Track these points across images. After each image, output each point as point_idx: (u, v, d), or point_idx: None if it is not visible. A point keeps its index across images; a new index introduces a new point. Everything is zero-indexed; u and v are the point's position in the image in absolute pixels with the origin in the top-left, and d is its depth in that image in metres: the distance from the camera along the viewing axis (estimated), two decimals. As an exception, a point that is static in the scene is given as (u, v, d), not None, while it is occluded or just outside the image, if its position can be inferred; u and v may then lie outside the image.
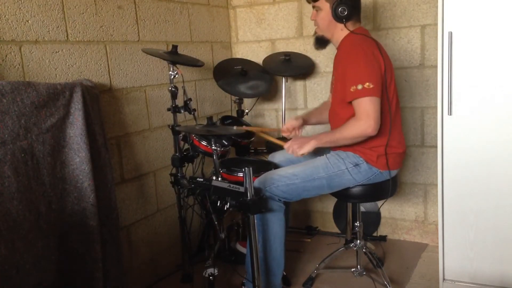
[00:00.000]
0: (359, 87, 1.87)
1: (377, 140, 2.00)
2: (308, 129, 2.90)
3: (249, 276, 1.99)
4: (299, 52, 2.91)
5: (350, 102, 1.94)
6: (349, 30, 2.03)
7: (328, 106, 2.24)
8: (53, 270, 1.76)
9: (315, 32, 2.18)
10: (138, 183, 2.38)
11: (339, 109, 2.07)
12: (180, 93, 2.21)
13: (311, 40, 2.25)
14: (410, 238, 2.83)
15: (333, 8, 2.00)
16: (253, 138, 2.67)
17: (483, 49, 1.82)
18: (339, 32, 2.06)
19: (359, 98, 1.89)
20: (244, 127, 2.43)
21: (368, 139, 1.97)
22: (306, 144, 2.01)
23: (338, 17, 2.00)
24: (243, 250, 2.54)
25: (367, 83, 1.87)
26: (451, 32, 1.85)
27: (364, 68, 1.91)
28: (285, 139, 2.20)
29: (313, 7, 2.11)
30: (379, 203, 2.76)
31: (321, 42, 2.17)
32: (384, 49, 2.03)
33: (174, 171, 2.26)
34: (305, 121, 2.29)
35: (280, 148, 2.34)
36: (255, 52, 3.08)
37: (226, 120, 2.68)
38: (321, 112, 2.35)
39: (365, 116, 1.89)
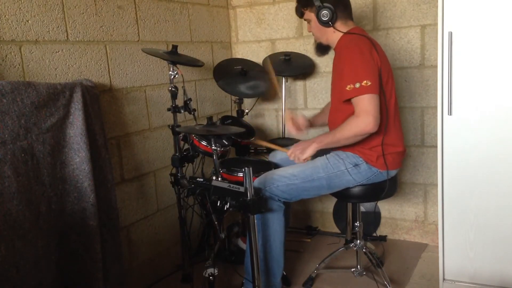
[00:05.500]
0: (357, 85, 1.88)
1: (376, 140, 2.00)
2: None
3: (248, 276, 1.99)
4: (299, 52, 2.91)
5: (348, 101, 1.95)
6: (341, 31, 2.05)
7: None
8: (53, 270, 1.76)
9: (315, 41, 2.22)
10: (138, 183, 2.38)
11: (340, 109, 2.07)
12: (180, 93, 2.21)
13: (311, 40, 2.26)
14: (410, 238, 2.83)
15: (316, 15, 2.04)
16: (253, 138, 2.67)
17: (483, 49, 1.82)
18: (332, 35, 2.08)
19: (358, 96, 1.89)
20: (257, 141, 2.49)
21: (366, 138, 1.98)
22: (308, 148, 2.04)
23: (324, 22, 2.04)
24: (245, 246, 2.53)
25: (365, 81, 1.87)
26: (451, 32, 1.85)
27: (360, 66, 1.91)
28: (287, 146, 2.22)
29: (305, 20, 2.17)
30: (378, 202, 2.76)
31: (321, 49, 2.22)
32: (380, 47, 2.03)
33: (174, 171, 2.26)
34: (310, 123, 2.30)
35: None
36: (255, 52, 3.08)
37: (226, 120, 2.67)
38: (326, 113, 2.35)
39: (364, 113, 1.89)
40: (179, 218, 2.31)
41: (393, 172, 2.10)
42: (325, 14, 2.01)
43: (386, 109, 1.99)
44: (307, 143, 2.06)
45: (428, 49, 2.56)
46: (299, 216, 3.10)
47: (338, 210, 2.98)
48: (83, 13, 2.03)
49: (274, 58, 2.87)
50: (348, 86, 1.90)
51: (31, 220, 1.64)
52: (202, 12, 2.83)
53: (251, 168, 1.74)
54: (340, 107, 2.05)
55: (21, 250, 1.59)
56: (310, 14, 2.10)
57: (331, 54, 2.21)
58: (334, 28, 2.05)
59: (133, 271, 2.34)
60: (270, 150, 2.57)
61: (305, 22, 2.20)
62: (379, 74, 1.93)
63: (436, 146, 2.04)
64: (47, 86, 1.71)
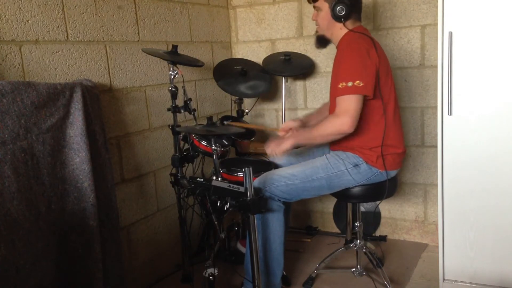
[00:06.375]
0: (349, 84, 1.88)
1: (375, 141, 2.00)
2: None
3: (248, 276, 1.99)
4: (299, 52, 2.91)
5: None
6: (347, 29, 2.04)
7: (328, 106, 2.25)
8: (53, 270, 1.76)
9: (316, 32, 2.20)
10: (138, 183, 2.38)
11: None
12: (180, 93, 2.21)
13: (311, 40, 2.26)
14: (410, 238, 2.83)
15: (331, 8, 2.02)
16: (253, 138, 2.67)
17: (483, 49, 1.82)
18: (338, 31, 2.07)
19: (344, 95, 1.89)
20: (241, 124, 2.44)
21: (366, 139, 1.97)
22: (284, 142, 2.03)
23: (336, 17, 2.02)
24: (244, 250, 2.54)
25: (358, 81, 1.87)
26: (451, 32, 1.85)
27: (356, 66, 1.91)
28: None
29: (314, 7, 2.14)
30: (378, 202, 2.76)
31: (322, 41, 2.20)
32: (381, 48, 2.03)
33: (174, 171, 2.26)
34: (303, 123, 2.29)
35: None
36: (255, 52, 3.08)
37: (226, 120, 2.68)
38: (321, 113, 2.35)
39: (343, 113, 1.89)
40: (179, 218, 2.31)
41: (393, 173, 2.10)
42: (340, 9, 2.00)
43: (384, 111, 1.99)
44: (284, 138, 2.06)
45: (428, 49, 2.56)
46: (299, 216, 3.10)
47: (338, 210, 2.98)
48: (83, 13, 2.03)
49: (274, 58, 2.88)
50: (341, 84, 1.90)
51: (31, 220, 1.64)
52: (202, 12, 2.83)
53: (251, 168, 1.74)
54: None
55: (21, 250, 1.59)
56: (323, 4, 2.06)
57: (331, 55, 2.21)
58: (344, 25, 2.04)
59: (133, 271, 2.33)
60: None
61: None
62: (377, 75, 1.93)
63: (436, 146, 2.04)
64: (47, 86, 1.71)
